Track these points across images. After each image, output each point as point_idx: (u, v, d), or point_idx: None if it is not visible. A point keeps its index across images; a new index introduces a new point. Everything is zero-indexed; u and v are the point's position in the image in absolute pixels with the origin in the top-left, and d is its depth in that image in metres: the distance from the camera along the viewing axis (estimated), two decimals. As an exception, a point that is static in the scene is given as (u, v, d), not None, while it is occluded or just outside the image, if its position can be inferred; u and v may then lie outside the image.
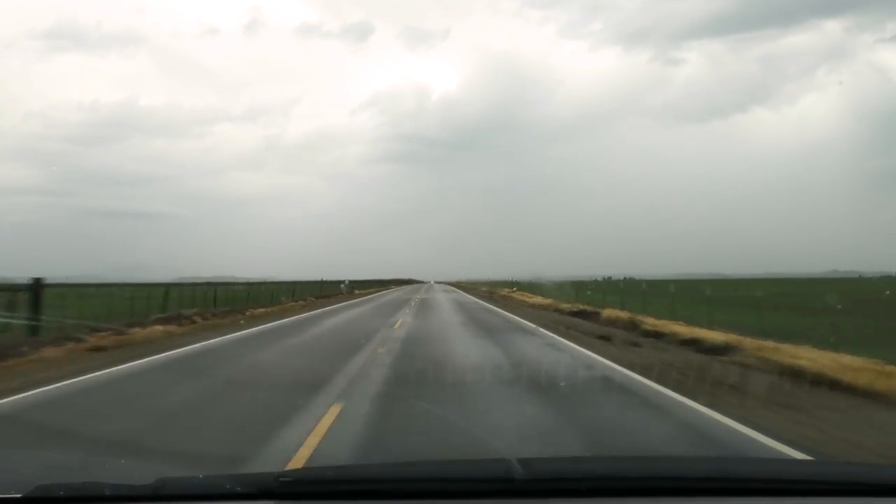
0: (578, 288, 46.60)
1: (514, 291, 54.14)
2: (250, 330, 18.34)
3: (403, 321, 20.27)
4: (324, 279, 54.88)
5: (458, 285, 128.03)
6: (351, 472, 2.59)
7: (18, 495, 1.88)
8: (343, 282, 66.40)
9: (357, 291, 63.89)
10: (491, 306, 33.05)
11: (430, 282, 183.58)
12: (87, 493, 1.94)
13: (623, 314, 21.42)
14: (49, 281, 16.40)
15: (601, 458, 3.72)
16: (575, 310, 25.97)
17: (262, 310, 29.79)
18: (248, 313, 27.58)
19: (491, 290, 64.82)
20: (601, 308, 25.06)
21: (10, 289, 15.83)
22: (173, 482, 2.00)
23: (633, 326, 18.58)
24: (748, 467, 2.43)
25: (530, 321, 20.76)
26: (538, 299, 38.80)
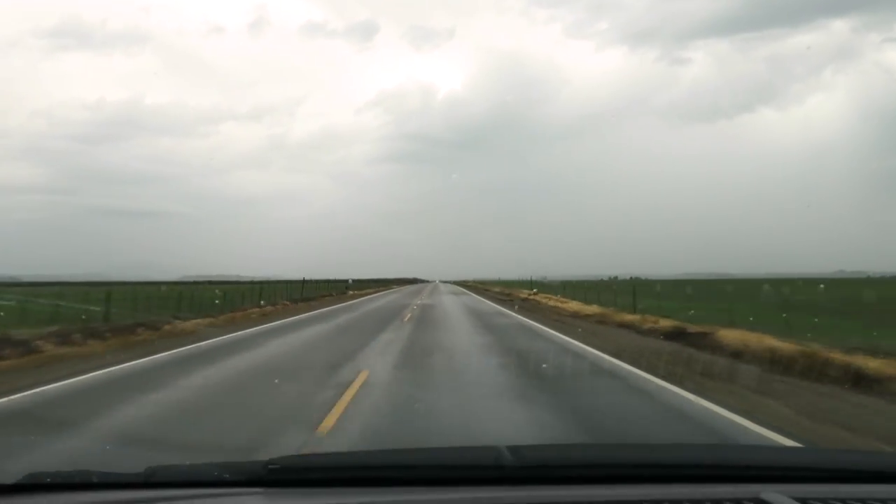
0: (597, 288, 37.98)
1: (535, 294, 44.24)
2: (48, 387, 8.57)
3: (370, 377, 9.03)
4: (305, 279, 46.70)
5: (466, 285, 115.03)
6: (339, 459, 2.50)
7: (9, 483, 1.87)
8: (346, 281, 63.76)
9: (350, 293, 55.91)
10: (525, 320, 22.58)
11: (434, 281, 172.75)
12: (75, 480, 1.91)
13: (771, 342, 12.44)
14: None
15: (590, 446, 3.51)
16: (667, 329, 16.84)
17: (195, 322, 20.76)
18: (166, 328, 18.50)
19: (507, 292, 54.33)
20: (703, 326, 16.13)
21: None
22: (163, 470, 1.94)
23: (842, 375, 9.69)
24: (740, 454, 2.38)
25: (625, 360, 11.20)
26: (575, 305, 29.78)
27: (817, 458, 2.43)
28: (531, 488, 1.87)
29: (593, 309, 26.16)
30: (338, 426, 6.16)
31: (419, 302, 37.20)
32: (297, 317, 24.86)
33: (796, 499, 1.70)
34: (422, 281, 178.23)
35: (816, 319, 17.60)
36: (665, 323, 17.80)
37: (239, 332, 17.94)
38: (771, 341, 12.49)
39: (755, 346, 12.51)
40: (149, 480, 1.88)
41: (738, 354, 12.29)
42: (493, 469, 1.91)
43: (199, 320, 21.43)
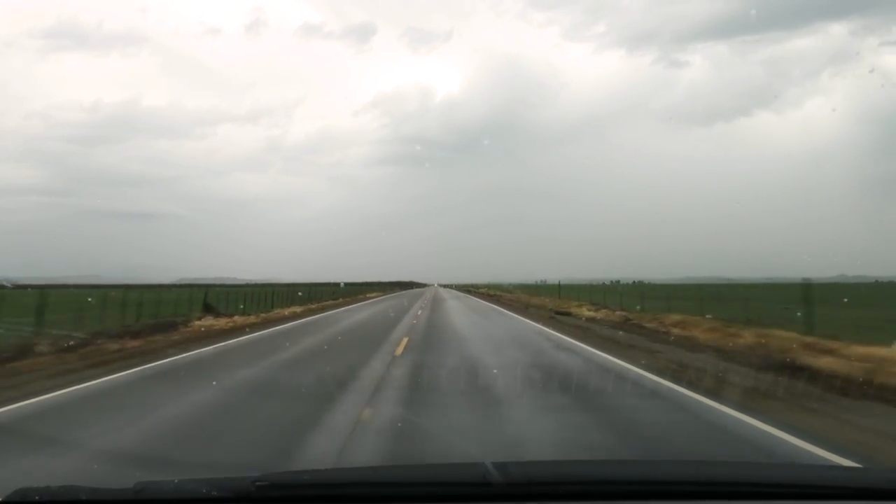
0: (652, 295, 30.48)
1: (667, 320, 20.39)
2: None
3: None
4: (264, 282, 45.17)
5: (477, 291, 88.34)
6: (327, 476, 2.45)
7: None
8: (338, 284, 62.23)
9: (236, 320, 29.24)
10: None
11: (433, 285, 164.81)
12: (64, 497, 1.90)
13: None
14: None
15: (580, 462, 3.37)
16: None
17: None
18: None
19: (573, 312, 28.66)
20: None
21: None
22: (152, 486, 1.94)
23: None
24: (732, 471, 2.29)
25: None
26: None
27: (809, 474, 2.41)
28: None
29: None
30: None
31: (398, 340, 15.74)
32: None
33: None
34: (419, 285, 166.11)
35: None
36: None
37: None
38: None
39: None
40: (137, 497, 1.89)
41: None
42: (480, 486, 1.88)
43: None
